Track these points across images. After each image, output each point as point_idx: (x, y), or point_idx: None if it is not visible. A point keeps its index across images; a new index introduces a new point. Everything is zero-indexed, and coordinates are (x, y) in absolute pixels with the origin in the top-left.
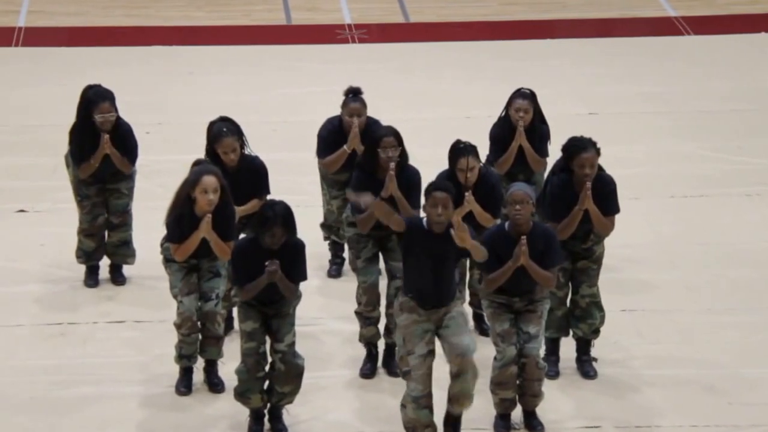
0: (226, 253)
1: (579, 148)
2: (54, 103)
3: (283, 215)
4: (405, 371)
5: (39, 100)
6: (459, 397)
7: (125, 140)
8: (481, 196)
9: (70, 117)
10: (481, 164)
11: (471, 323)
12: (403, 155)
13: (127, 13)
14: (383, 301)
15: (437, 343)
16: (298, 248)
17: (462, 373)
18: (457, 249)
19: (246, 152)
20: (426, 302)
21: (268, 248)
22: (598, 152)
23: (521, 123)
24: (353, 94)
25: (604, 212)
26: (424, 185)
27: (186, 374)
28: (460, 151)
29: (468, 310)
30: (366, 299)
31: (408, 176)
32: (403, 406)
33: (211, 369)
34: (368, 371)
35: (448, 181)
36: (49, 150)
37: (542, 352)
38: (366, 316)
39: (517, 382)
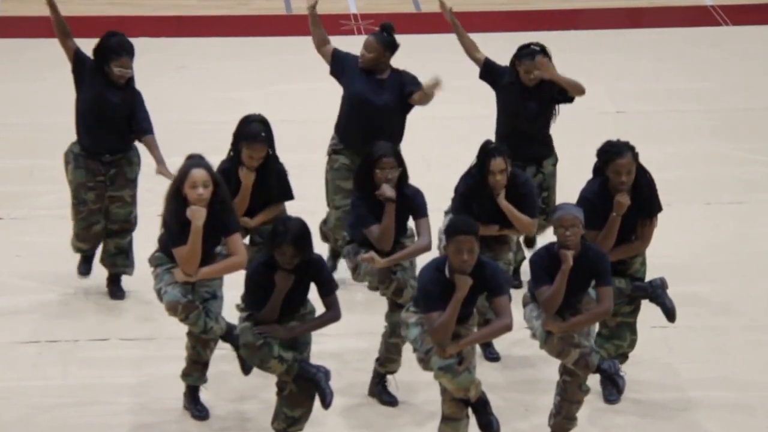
0: (232, 266)
1: (614, 153)
2: (32, 100)
3: (295, 232)
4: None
5: (15, 96)
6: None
7: (135, 103)
8: (513, 199)
9: (48, 114)
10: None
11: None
12: (404, 175)
13: (112, 2)
14: (380, 329)
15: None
16: (317, 263)
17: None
18: (479, 290)
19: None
20: None
21: (283, 268)
22: (635, 157)
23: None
24: None
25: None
26: (434, 188)
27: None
28: (491, 152)
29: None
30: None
31: (410, 199)
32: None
33: (193, 395)
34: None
35: (474, 184)
36: (26, 151)
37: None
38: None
39: (554, 401)
